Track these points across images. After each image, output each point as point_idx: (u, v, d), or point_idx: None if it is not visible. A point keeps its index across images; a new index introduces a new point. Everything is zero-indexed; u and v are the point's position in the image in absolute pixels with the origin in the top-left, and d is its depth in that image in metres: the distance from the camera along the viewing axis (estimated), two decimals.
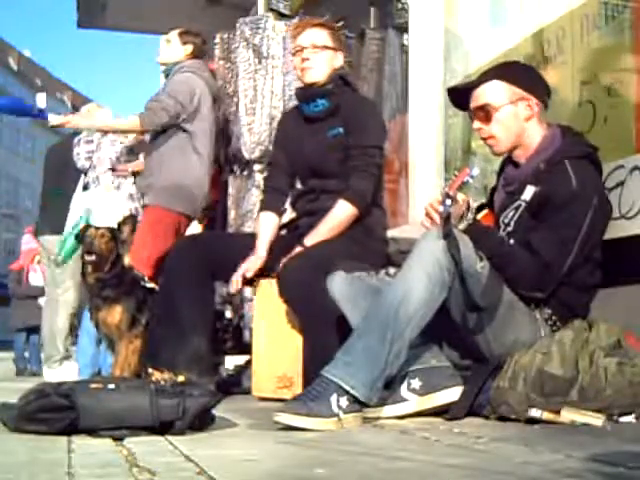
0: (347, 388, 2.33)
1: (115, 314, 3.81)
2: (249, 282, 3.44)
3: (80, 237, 4.00)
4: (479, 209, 2.79)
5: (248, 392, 3.52)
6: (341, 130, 3.33)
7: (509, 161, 2.78)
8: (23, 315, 9.25)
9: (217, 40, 5.52)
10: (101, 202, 5.35)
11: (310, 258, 3.09)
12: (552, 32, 3.69)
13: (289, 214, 3.66)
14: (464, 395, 2.51)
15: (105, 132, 5.07)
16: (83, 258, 3.94)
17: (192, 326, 3.34)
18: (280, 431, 2.27)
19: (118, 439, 2.11)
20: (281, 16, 5.49)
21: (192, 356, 3.31)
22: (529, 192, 2.60)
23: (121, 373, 3.73)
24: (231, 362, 4.40)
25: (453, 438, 2.12)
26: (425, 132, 4.55)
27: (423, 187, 4.48)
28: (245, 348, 4.17)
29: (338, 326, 2.83)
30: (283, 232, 3.49)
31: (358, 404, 2.36)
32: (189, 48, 4.47)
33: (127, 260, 3.87)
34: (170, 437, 2.14)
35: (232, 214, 5.35)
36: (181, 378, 2.97)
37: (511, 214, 2.64)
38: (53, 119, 4.27)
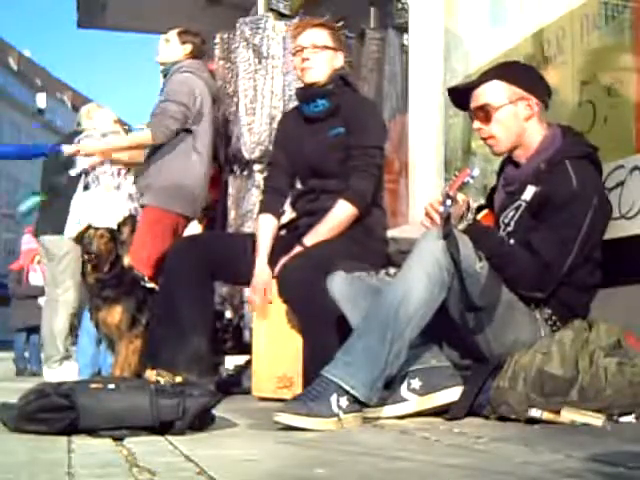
0: (347, 388, 2.33)
1: (115, 314, 3.81)
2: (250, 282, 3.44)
3: (80, 238, 4.01)
4: (479, 209, 2.79)
5: (248, 392, 3.52)
6: (342, 130, 3.32)
7: (509, 161, 2.78)
8: (23, 315, 9.25)
9: (217, 40, 5.52)
10: (101, 202, 5.35)
11: (310, 258, 3.09)
12: (552, 32, 3.69)
13: (289, 214, 3.66)
14: (464, 395, 2.51)
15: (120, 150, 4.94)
16: (83, 258, 3.94)
17: (192, 326, 3.34)
18: (280, 431, 2.27)
19: (118, 439, 2.11)
20: (281, 16, 5.49)
21: (192, 356, 3.31)
22: (529, 192, 2.60)
23: (121, 373, 3.73)
24: (231, 362, 4.40)
25: (453, 438, 2.12)
26: (425, 132, 4.55)
27: (423, 187, 4.48)
28: (245, 348, 4.17)
29: (338, 326, 2.83)
30: (283, 232, 3.48)
31: (358, 404, 2.36)
32: (188, 48, 4.47)
33: (127, 260, 3.87)
34: (170, 437, 2.14)
35: (232, 214, 5.35)
36: (179, 379, 2.98)
37: (511, 214, 2.64)
38: (67, 149, 4.30)
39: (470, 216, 2.52)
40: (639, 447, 1.94)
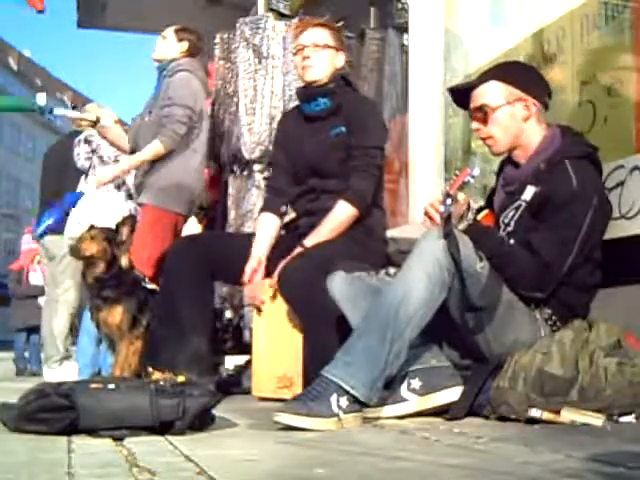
0: (347, 388, 2.33)
1: (116, 314, 3.81)
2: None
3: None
4: (479, 210, 2.79)
5: (248, 392, 3.52)
6: (344, 129, 3.32)
7: (508, 161, 2.78)
8: (23, 315, 9.25)
9: (217, 40, 5.52)
10: (101, 202, 5.35)
11: (311, 258, 3.09)
12: (552, 32, 3.69)
13: (289, 214, 3.65)
14: (464, 395, 2.51)
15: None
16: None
17: (192, 326, 3.34)
18: (280, 431, 2.27)
19: (118, 439, 2.11)
20: (281, 16, 5.49)
21: (192, 356, 3.31)
22: (529, 192, 2.60)
23: (121, 373, 3.73)
24: (231, 362, 4.40)
25: (453, 438, 2.12)
26: (425, 132, 4.55)
27: (423, 187, 4.48)
28: (245, 348, 4.17)
29: (338, 326, 2.83)
30: (283, 232, 3.48)
31: (358, 404, 2.36)
32: (185, 45, 4.46)
33: (124, 261, 3.86)
34: (170, 437, 2.14)
35: (232, 214, 5.35)
36: (181, 378, 2.97)
37: (511, 214, 2.64)
38: (89, 188, 4.30)
39: (470, 216, 2.52)
40: (639, 447, 1.94)
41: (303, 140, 3.42)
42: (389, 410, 2.52)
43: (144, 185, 4.30)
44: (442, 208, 2.43)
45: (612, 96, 3.29)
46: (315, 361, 2.84)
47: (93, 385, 2.32)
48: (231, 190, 5.38)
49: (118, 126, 4.98)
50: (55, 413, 2.19)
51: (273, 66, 5.15)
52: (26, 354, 9.46)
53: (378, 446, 2.01)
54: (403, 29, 5.04)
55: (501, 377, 2.41)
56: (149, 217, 4.26)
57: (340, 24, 4.17)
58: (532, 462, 1.69)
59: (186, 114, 4.21)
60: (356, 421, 2.36)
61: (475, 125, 2.73)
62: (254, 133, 5.14)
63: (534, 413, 2.30)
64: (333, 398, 2.32)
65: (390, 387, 2.50)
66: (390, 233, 3.58)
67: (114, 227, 4.08)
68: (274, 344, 3.36)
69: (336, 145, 3.32)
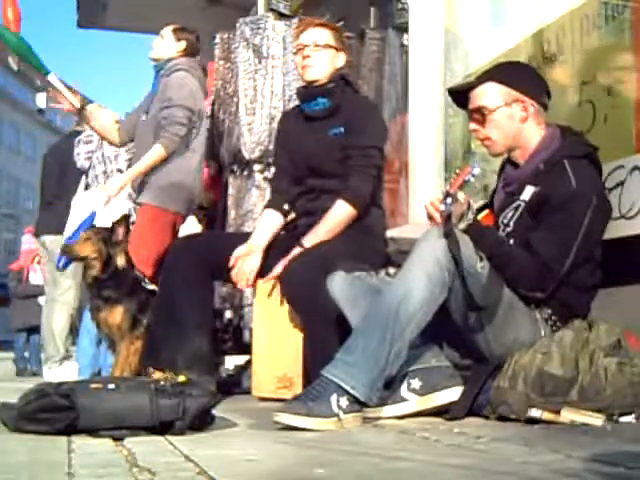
0: (347, 388, 2.33)
1: (116, 315, 3.81)
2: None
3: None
4: (480, 210, 2.79)
5: (248, 392, 3.52)
6: (342, 129, 3.32)
7: (509, 161, 2.78)
8: (23, 315, 9.25)
9: (217, 40, 5.53)
10: (101, 202, 5.34)
11: (313, 258, 3.09)
12: (552, 32, 3.69)
13: (290, 215, 3.66)
14: (464, 395, 2.51)
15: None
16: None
17: (192, 326, 3.34)
18: (280, 431, 2.27)
19: (118, 439, 2.10)
20: (281, 16, 5.49)
21: (192, 356, 3.31)
22: (528, 192, 2.60)
23: (121, 373, 3.72)
24: (231, 362, 4.40)
25: (453, 438, 2.12)
26: (425, 132, 4.55)
27: (423, 187, 4.48)
28: (245, 348, 4.16)
29: (338, 326, 2.83)
30: (282, 233, 3.48)
31: (358, 404, 2.36)
32: (182, 45, 4.45)
33: (120, 261, 3.86)
34: (170, 437, 2.14)
35: (232, 214, 5.35)
36: (182, 378, 2.97)
37: (510, 214, 2.64)
38: (100, 210, 4.32)
39: (471, 215, 2.52)
40: (639, 447, 1.94)
41: (302, 139, 3.42)
42: (389, 410, 2.52)
43: (143, 185, 4.30)
44: (442, 207, 2.43)
45: (612, 96, 3.29)
46: (315, 361, 2.84)
47: (93, 385, 2.32)
48: (231, 190, 5.38)
49: (107, 115, 4.99)
50: (55, 413, 2.19)
51: (273, 66, 5.16)
52: (26, 354, 9.45)
53: (378, 446, 2.01)
54: (403, 29, 5.04)
55: (501, 377, 2.41)
56: (148, 216, 4.26)
57: (340, 24, 4.17)
58: (532, 462, 1.69)
59: (185, 115, 4.20)
60: (356, 421, 2.36)
61: (473, 126, 2.74)
62: (254, 133, 5.14)
63: (534, 413, 2.30)
64: (333, 398, 2.32)
65: (390, 387, 2.50)
66: (390, 233, 3.58)
67: (110, 227, 4.07)
68: (274, 344, 3.36)
69: (335, 145, 3.32)
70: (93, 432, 2.16)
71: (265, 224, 3.44)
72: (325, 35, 3.41)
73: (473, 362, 2.61)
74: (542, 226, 2.53)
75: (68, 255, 4.03)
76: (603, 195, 2.63)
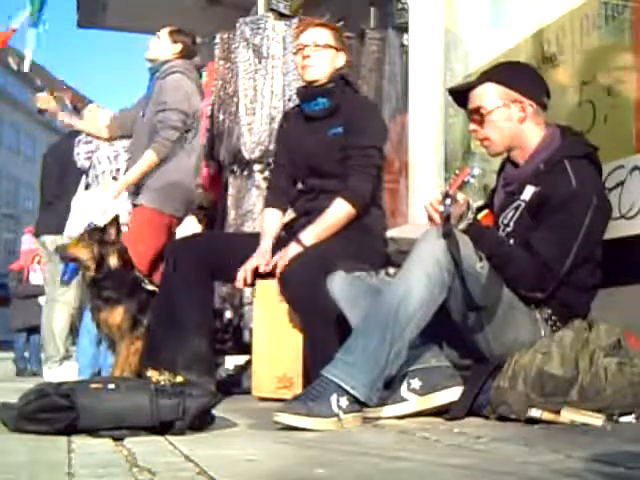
0: (347, 388, 2.33)
1: (116, 315, 3.81)
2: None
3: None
4: (479, 210, 2.79)
5: (248, 392, 3.52)
6: (341, 129, 3.33)
7: (509, 161, 2.78)
8: (23, 315, 9.24)
9: (217, 40, 5.53)
10: (101, 202, 5.34)
11: (312, 258, 3.09)
12: (552, 32, 3.69)
13: (289, 214, 3.66)
14: (464, 395, 2.51)
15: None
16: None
17: (192, 327, 3.34)
18: (280, 431, 2.27)
19: (118, 439, 2.10)
20: (281, 16, 5.49)
21: (192, 357, 3.31)
22: (529, 192, 2.60)
23: (121, 374, 3.72)
24: (231, 362, 4.40)
25: (453, 438, 2.12)
26: (425, 132, 4.55)
27: (423, 187, 4.48)
28: (245, 348, 4.16)
29: (338, 326, 2.83)
30: (282, 233, 3.48)
31: (358, 404, 2.36)
32: (178, 47, 4.45)
33: (113, 261, 3.86)
34: (170, 437, 2.14)
35: (232, 214, 5.35)
36: (179, 379, 2.97)
37: (510, 214, 2.64)
38: (99, 220, 4.34)
39: (470, 215, 2.52)
40: (639, 447, 1.94)
41: (302, 139, 3.42)
42: (389, 410, 2.52)
43: (140, 187, 4.30)
44: (442, 208, 2.43)
45: (612, 96, 3.29)
46: (315, 361, 2.84)
47: (93, 385, 2.32)
48: (231, 190, 5.38)
49: (106, 115, 5.00)
50: (55, 413, 2.19)
51: (273, 66, 5.16)
52: (26, 354, 9.45)
53: (378, 446, 2.01)
54: (403, 29, 5.04)
55: (501, 377, 2.41)
56: (144, 217, 4.26)
57: (340, 24, 4.17)
58: (532, 462, 1.69)
59: (180, 119, 4.21)
60: (356, 421, 2.36)
61: (472, 126, 2.74)
62: (254, 133, 5.14)
63: (534, 413, 2.30)
64: (333, 398, 2.32)
65: (390, 387, 2.50)
66: (390, 233, 3.58)
67: (102, 227, 4.08)
68: (274, 344, 3.36)
69: (334, 145, 3.32)
70: (93, 432, 2.16)
71: (268, 225, 3.43)
72: (325, 35, 3.41)
73: (473, 362, 2.61)
74: (542, 226, 2.52)
75: (63, 256, 4.04)
76: (603, 195, 2.63)
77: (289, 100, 4.99)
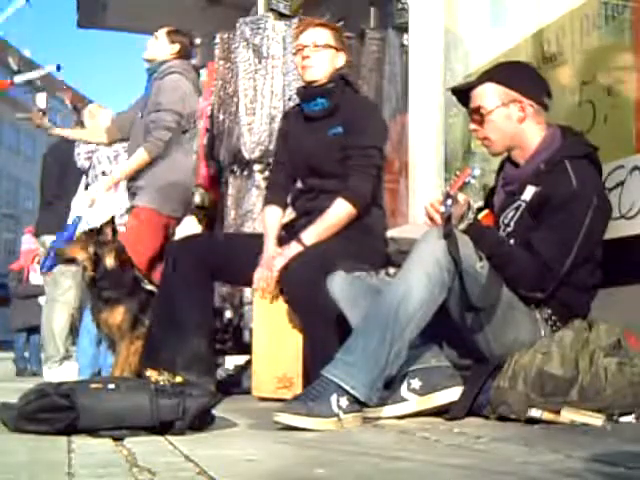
0: (347, 388, 2.33)
1: (117, 315, 3.81)
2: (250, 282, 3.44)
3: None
4: (480, 210, 2.79)
5: (248, 392, 3.52)
6: (341, 129, 3.32)
7: (509, 161, 2.78)
8: (23, 315, 9.24)
9: (217, 40, 5.53)
10: (101, 202, 5.34)
11: (314, 258, 3.09)
12: (552, 32, 3.69)
13: (289, 214, 3.66)
14: (464, 395, 2.51)
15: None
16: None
17: (191, 327, 3.34)
18: (280, 431, 2.27)
19: (118, 439, 2.10)
20: (281, 16, 5.49)
21: (191, 357, 3.31)
22: (529, 192, 2.60)
23: (121, 374, 3.72)
24: (231, 362, 4.40)
25: (453, 438, 2.12)
26: (425, 132, 4.55)
27: (423, 187, 4.48)
28: (245, 348, 4.17)
29: (338, 326, 2.83)
30: (282, 233, 3.48)
31: (358, 404, 2.36)
32: (176, 47, 4.45)
33: (109, 261, 3.86)
34: (170, 437, 2.14)
35: (232, 214, 5.35)
36: (179, 379, 2.98)
37: (511, 214, 2.64)
38: (86, 220, 4.34)
39: (471, 216, 2.52)
40: (639, 447, 1.94)
41: (302, 139, 3.42)
42: (389, 410, 2.52)
43: (138, 187, 4.31)
44: (442, 208, 2.43)
45: (612, 96, 3.29)
46: (315, 361, 2.84)
47: (93, 385, 2.32)
48: (231, 190, 5.38)
49: (107, 115, 5.00)
50: (55, 413, 2.19)
51: (273, 66, 5.15)
52: (26, 354, 9.44)
53: (378, 446, 2.01)
54: (403, 29, 5.03)
55: (501, 377, 2.41)
56: (142, 217, 4.27)
57: (340, 24, 4.17)
58: (532, 462, 1.69)
59: (174, 119, 4.21)
60: (356, 421, 2.36)
61: (472, 126, 2.75)
62: (254, 133, 5.14)
63: (534, 413, 2.30)
64: (333, 398, 2.32)
65: (390, 387, 2.50)
66: (390, 233, 3.58)
67: (98, 228, 4.08)
68: (274, 344, 3.36)
69: (334, 145, 3.32)
70: (93, 432, 2.16)
71: (271, 226, 3.43)
72: (325, 35, 3.41)
73: (473, 362, 2.61)
74: (543, 226, 2.52)
75: (59, 257, 4.06)
76: (603, 195, 2.63)
77: (289, 100, 4.99)
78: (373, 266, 2.99)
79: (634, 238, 2.78)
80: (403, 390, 2.54)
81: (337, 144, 3.31)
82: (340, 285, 2.78)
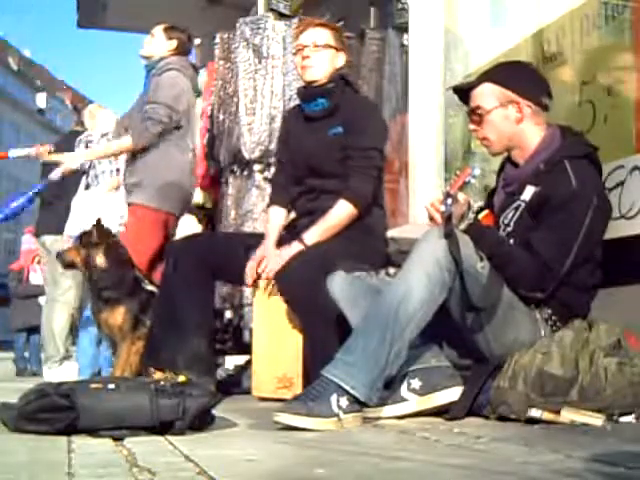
0: (347, 388, 2.33)
1: (117, 315, 3.81)
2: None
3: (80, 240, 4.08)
4: (480, 210, 2.79)
5: (248, 392, 3.52)
6: (341, 130, 3.33)
7: (509, 161, 2.78)
8: (23, 315, 9.25)
9: (217, 40, 5.53)
10: (101, 202, 5.35)
11: (314, 258, 3.09)
12: (552, 32, 3.69)
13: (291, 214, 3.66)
14: (464, 395, 2.51)
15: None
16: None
17: (192, 327, 3.34)
18: (280, 431, 2.27)
19: (118, 439, 2.10)
20: (281, 16, 5.49)
21: (192, 357, 3.31)
22: (529, 192, 2.60)
23: (121, 374, 3.72)
24: (231, 362, 4.40)
25: (453, 438, 2.12)
26: (425, 132, 4.55)
27: (423, 187, 4.48)
28: (245, 348, 4.17)
29: (338, 326, 2.83)
30: (283, 233, 3.48)
31: (358, 404, 2.36)
32: (174, 43, 4.45)
33: (99, 260, 3.87)
34: (170, 437, 2.14)
35: (232, 214, 5.35)
36: (182, 378, 2.97)
37: (511, 214, 2.64)
38: (54, 175, 4.35)
39: (471, 215, 2.52)
40: (639, 447, 1.94)
41: (302, 139, 3.43)
42: (389, 410, 2.52)
43: (133, 185, 4.31)
44: (443, 208, 2.43)
45: (612, 96, 3.29)
46: (315, 361, 2.84)
47: (93, 385, 2.32)
48: (231, 190, 5.38)
49: (108, 115, 5.01)
50: (55, 413, 2.19)
51: (273, 66, 5.16)
52: (26, 354, 9.45)
53: (378, 446, 2.01)
54: (403, 29, 5.04)
55: (501, 377, 2.41)
56: (138, 215, 4.27)
57: (340, 24, 4.17)
58: (532, 462, 1.69)
59: (166, 114, 4.21)
60: (356, 421, 2.36)
61: (472, 126, 2.75)
62: (254, 133, 5.14)
63: (534, 413, 2.30)
64: (333, 398, 2.32)
65: (390, 387, 2.50)
66: (390, 233, 3.58)
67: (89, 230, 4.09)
68: (274, 344, 3.36)
69: (334, 145, 3.32)
70: (93, 432, 2.16)
71: (273, 225, 3.44)
72: (325, 35, 3.41)
73: (473, 362, 2.61)
74: (542, 226, 2.53)
75: (62, 263, 4.09)
76: (603, 195, 2.63)
77: (289, 100, 4.99)
78: (373, 266, 2.99)
79: (634, 238, 2.78)
80: (403, 390, 2.55)
81: (337, 144, 3.32)
82: (340, 285, 2.78)
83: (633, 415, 2.27)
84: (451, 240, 2.38)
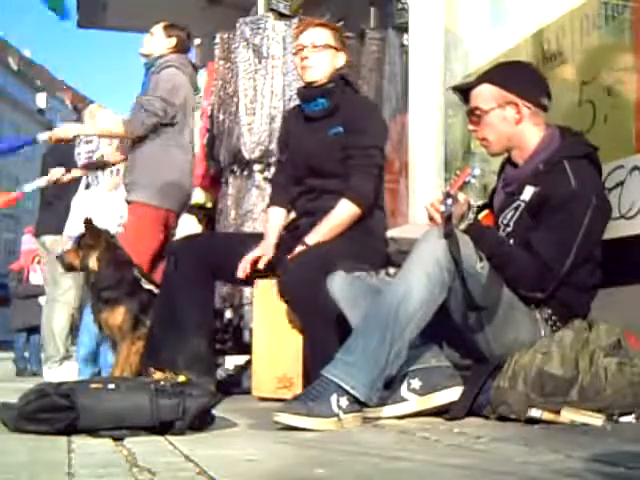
0: (347, 388, 2.33)
1: (117, 315, 3.81)
2: (249, 282, 3.45)
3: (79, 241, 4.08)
4: (480, 210, 2.79)
5: (248, 392, 3.52)
6: (341, 129, 3.33)
7: (509, 161, 2.78)
8: (23, 315, 9.25)
9: (217, 40, 5.53)
10: (101, 202, 5.35)
11: (313, 257, 3.09)
12: (552, 32, 3.69)
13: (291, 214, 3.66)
14: (464, 395, 2.51)
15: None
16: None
17: (192, 327, 3.34)
18: (280, 431, 2.27)
19: (118, 439, 2.10)
20: (281, 16, 5.49)
21: (192, 357, 3.31)
22: (528, 192, 2.60)
23: (121, 374, 3.72)
24: (231, 362, 4.40)
25: (453, 438, 2.12)
26: (425, 132, 4.55)
27: (423, 187, 4.48)
28: (245, 348, 4.17)
29: (338, 326, 2.83)
30: (283, 233, 3.48)
31: (358, 404, 2.36)
32: (173, 41, 4.45)
33: (91, 262, 3.88)
34: (170, 437, 2.14)
35: (232, 214, 5.35)
36: (182, 378, 2.97)
37: (510, 214, 2.64)
38: (41, 137, 4.36)
39: (471, 215, 2.52)
40: (639, 447, 1.94)
41: (302, 139, 3.43)
42: (389, 410, 2.52)
43: (132, 183, 4.31)
44: (443, 208, 2.43)
45: (612, 96, 3.29)
46: (315, 361, 2.84)
47: (93, 385, 2.32)
48: (231, 190, 5.38)
49: (109, 115, 5.02)
50: (55, 413, 2.19)
51: (273, 66, 5.16)
52: (26, 354, 9.45)
53: (378, 446, 2.01)
54: (403, 29, 5.04)
55: (501, 377, 2.41)
56: (140, 213, 4.27)
57: (340, 24, 4.17)
58: (532, 462, 1.69)
59: (161, 107, 4.21)
60: (356, 421, 2.36)
61: (471, 127, 2.75)
62: (254, 133, 5.14)
63: (534, 413, 2.30)
64: (333, 398, 2.32)
65: (390, 387, 2.50)
66: (390, 233, 3.58)
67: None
68: (274, 344, 3.36)
69: (334, 145, 3.32)
70: (93, 432, 2.16)
71: (273, 226, 3.44)
72: (324, 35, 3.41)
73: (473, 362, 2.61)
74: (542, 226, 2.53)
75: (63, 265, 4.11)
76: (603, 195, 2.63)
77: (289, 100, 5.00)
78: (373, 266, 2.99)
79: (634, 238, 2.78)
80: (403, 390, 2.55)
81: (338, 144, 3.32)
82: (340, 285, 2.78)
83: (633, 415, 2.27)
84: (451, 240, 2.38)
